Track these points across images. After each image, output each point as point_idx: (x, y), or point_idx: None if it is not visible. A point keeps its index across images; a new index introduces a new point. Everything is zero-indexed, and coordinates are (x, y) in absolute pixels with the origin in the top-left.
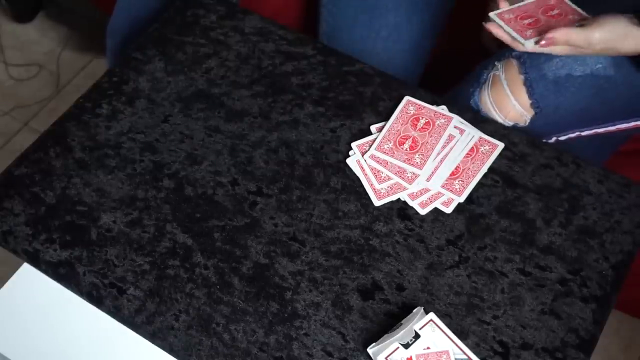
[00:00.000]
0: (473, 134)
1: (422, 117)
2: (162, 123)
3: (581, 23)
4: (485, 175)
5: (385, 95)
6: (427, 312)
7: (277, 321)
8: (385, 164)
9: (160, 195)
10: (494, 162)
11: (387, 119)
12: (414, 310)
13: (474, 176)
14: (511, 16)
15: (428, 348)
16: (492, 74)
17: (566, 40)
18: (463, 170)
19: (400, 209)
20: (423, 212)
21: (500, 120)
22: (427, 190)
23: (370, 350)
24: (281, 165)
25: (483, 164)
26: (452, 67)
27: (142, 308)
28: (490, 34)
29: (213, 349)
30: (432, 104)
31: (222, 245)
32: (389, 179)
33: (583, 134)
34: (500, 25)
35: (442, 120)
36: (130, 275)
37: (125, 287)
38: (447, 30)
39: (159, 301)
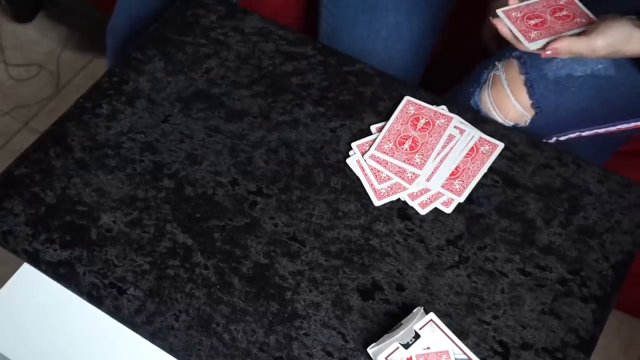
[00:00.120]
0: (473, 134)
1: (422, 117)
2: (162, 123)
3: (583, 29)
4: (485, 175)
5: (385, 95)
6: (427, 312)
7: (277, 321)
8: (385, 164)
9: (160, 195)
10: (494, 162)
11: (387, 119)
12: (414, 310)
13: (474, 176)
14: (518, 15)
15: (428, 348)
16: (492, 74)
17: (569, 50)
18: (463, 170)
19: (400, 209)
20: (423, 212)
21: (500, 120)
22: (427, 190)
23: (370, 350)
24: (281, 165)
25: (483, 164)
26: (452, 67)
27: (142, 308)
28: (492, 29)
29: (213, 349)
30: (432, 104)
31: (222, 245)
32: (389, 179)
33: (583, 134)
34: (505, 23)
35: (442, 120)
36: (130, 275)
37: (125, 287)
38: (447, 30)
39: (159, 301)
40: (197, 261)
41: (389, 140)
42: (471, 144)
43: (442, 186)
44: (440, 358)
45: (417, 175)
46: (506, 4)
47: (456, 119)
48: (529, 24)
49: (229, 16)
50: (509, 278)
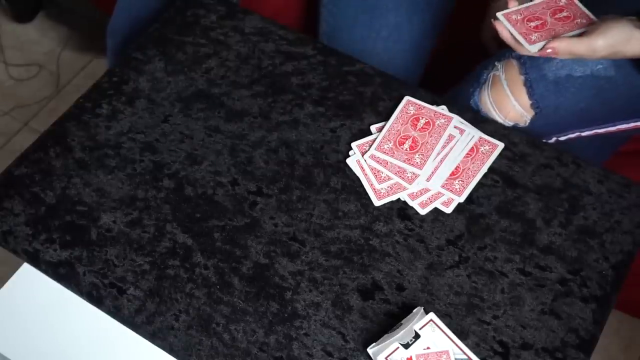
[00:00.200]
0: (473, 134)
1: (422, 117)
2: (162, 123)
3: (583, 30)
4: (485, 175)
5: (385, 95)
6: (427, 312)
7: (277, 321)
8: (385, 164)
9: (160, 195)
10: (494, 162)
11: (387, 119)
12: (414, 310)
13: (474, 176)
14: (518, 17)
15: (428, 348)
16: (492, 74)
17: (570, 51)
18: (463, 170)
19: (400, 209)
20: (423, 212)
21: (500, 120)
22: (427, 190)
23: (370, 350)
24: (281, 165)
25: (483, 164)
26: (452, 67)
27: (142, 308)
28: (492, 30)
29: (213, 349)
30: (432, 104)
31: (222, 245)
32: (389, 179)
33: (583, 134)
34: (506, 26)
35: (442, 120)
36: (130, 275)
37: (125, 287)
38: (447, 30)
39: (159, 301)
40: (197, 261)
41: (389, 140)
42: (471, 144)
43: (442, 186)
44: (440, 358)
45: (417, 175)
46: (506, 6)
47: (456, 119)
48: (530, 27)
49: (229, 16)
50: (509, 278)
